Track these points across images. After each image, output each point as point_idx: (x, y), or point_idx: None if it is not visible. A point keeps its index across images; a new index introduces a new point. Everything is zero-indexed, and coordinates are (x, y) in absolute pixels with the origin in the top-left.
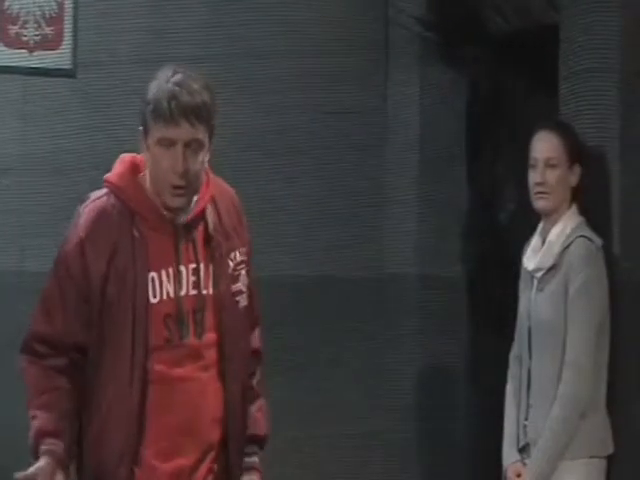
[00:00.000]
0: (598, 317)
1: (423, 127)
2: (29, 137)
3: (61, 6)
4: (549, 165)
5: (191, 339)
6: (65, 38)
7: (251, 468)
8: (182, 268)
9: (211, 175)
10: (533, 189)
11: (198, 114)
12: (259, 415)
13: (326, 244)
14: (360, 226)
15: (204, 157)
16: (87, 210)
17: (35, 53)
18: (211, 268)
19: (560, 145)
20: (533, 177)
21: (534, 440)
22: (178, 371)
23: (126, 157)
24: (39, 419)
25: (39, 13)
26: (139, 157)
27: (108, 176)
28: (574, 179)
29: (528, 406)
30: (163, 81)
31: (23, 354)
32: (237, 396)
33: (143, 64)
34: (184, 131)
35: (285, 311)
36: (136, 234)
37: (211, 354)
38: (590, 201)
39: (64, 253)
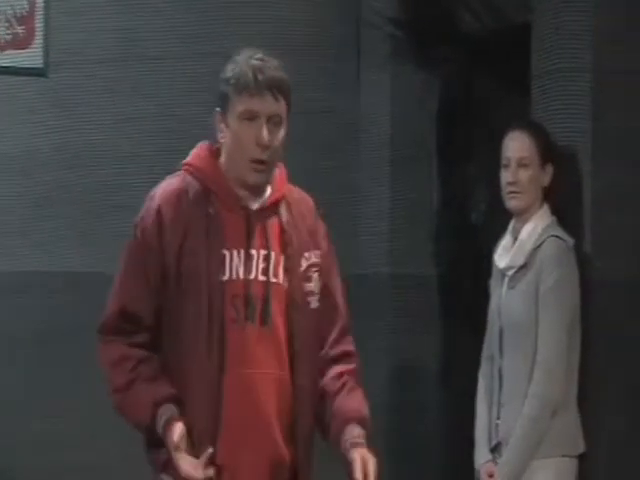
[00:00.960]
0: (569, 316)
1: (395, 127)
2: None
3: (32, 5)
4: (521, 165)
5: (257, 323)
6: (36, 37)
7: (357, 444)
8: (253, 252)
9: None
10: (505, 188)
11: (281, 88)
12: (356, 398)
13: None
14: (332, 226)
15: (282, 134)
16: (162, 188)
17: (6, 52)
18: (282, 259)
19: (532, 145)
20: (505, 176)
21: (505, 439)
22: (247, 353)
23: (203, 144)
24: (146, 391)
25: (10, 12)
26: (214, 145)
27: (186, 160)
28: (546, 179)
29: (499, 405)
30: (245, 58)
31: (104, 335)
32: (306, 392)
33: (113, 64)
34: (268, 104)
35: None
36: (211, 211)
37: (278, 345)
38: (562, 200)
39: (141, 230)
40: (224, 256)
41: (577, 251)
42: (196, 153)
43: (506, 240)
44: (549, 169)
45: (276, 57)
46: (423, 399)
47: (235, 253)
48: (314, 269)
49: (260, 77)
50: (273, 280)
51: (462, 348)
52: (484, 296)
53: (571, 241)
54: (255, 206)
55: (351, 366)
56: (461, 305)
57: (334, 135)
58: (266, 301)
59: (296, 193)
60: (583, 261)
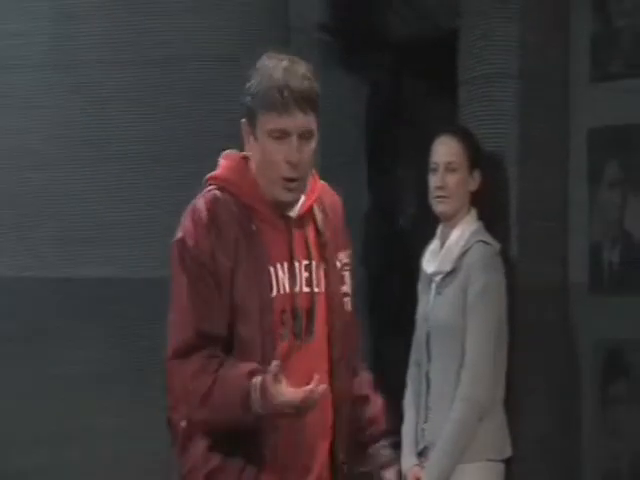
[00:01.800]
0: (496, 321)
1: (323, 132)
2: None
3: None
4: (449, 169)
5: (303, 337)
6: None
7: (390, 461)
8: (296, 263)
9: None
10: (433, 193)
11: (310, 101)
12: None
13: None
14: None
15: (313, 146)
16: (204, 208)
17: None
18: (322, 266)
19: (460, 150)
20: (433, 181)
21: (432, 443)
22: (296, 369)
23: (230, 153)
24: (234, 371)
25: None
26: (242, 153)
27: (213, 174)
28: (474, 184)
29: (427, 409)
30: (270, 69)
31: (180, 357)
32: (344, 399)
33: (53, 68)
34: (298, 121)
35: None
36: (254, 228)
37: (323, 355)
38: (488, 205)
39: (194, 252)
40: (270, 272)
41: (504, 256)
42: (227, 165)
43: (434, 245)
44: (477, 174)
45: (302, 60)
46: None
47: (279, 267)
48: (346, 268)
49: (287, 93)
50: (316, 290)
51: (390, 352)
52: (413, 300)
53: (498, 246)
54: (294, 213)
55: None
56: (391, 309)
57: None
58: (311, 313)
59: (326, 190)
60: (509, 266)
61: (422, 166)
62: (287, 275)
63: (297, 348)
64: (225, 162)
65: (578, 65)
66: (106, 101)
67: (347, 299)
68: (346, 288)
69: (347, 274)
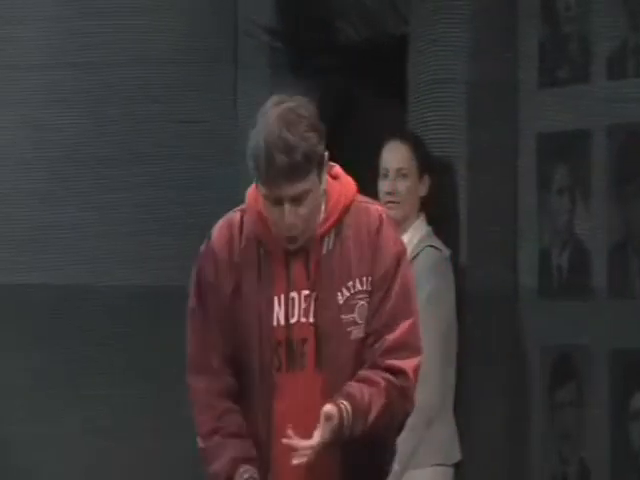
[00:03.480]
0: (445, 326)
1: None
2: None
3: None
4: (400, 175)
5: (296, 369)
6: None
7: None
8: (294, 295)
9: (356, 200)
10: (383, 198)
11: (297, 172)
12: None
13: (165, 255)
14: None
15: (315, 198)
16: (218, 226)
17: None
18: (318, 295)
19: (411, 155)
20: (383, 186)
21: None
22: (289, 401)
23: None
24: (230, 447)
25: None
26: None
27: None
28: (423, 189)
29: None
30: (260, 133)
31: (190, 374)
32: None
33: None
34: (287, 191)
35: (158, 321)
36: (261, 252)
37: (315, 384)
38: (437, 211)
39: (200, 272)
40: (273, 301)
41: (453, 261)
42: (251, 193)
43: None
44: (426, 179)
45: (300, 104)
46: None
47: (276, 299)
48: (359, 296)
49: (271, 168)
50: (311, 320)
51: None
52: None
53: (447, 251)
54: (297, 244)
55: (391, 377)
56: None
57: (210, 148)
58: (305, 344)
59: (356, 214)
60: (459, 271)
61: (372, 171)
62: (283, 306)
63: (292, 377)
64: (251, 190)
65: (526, 71)
66: (43, 104)
67: (354, 327)
68: (354, 317)
69: (360, 302)
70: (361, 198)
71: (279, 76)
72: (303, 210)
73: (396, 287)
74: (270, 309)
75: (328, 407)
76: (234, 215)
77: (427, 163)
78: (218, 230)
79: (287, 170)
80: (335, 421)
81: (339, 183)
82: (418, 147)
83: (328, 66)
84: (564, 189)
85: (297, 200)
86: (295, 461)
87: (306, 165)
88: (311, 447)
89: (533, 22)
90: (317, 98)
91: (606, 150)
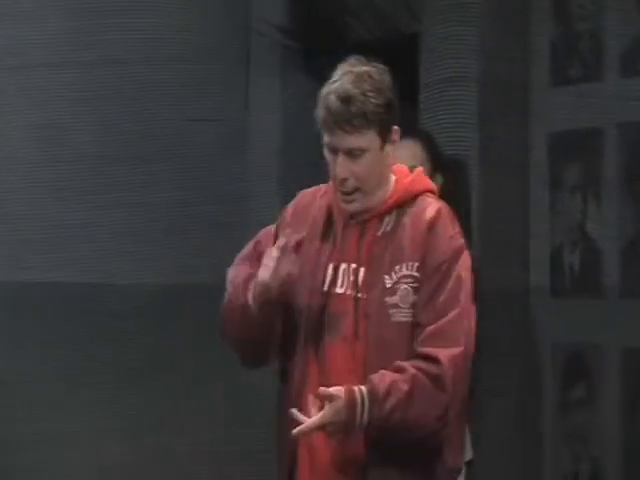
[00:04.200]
0: None
1: (285, 136)
2: None
3: None
4: None
5: (335, 339)
6: None
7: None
8: (344, 265)
9: (427, 199)
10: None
11: (350, 124)
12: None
13: (186, 251)
14: (223, 234)
15: (372, 161)
16: (307, 190)
17: None
18: (365, 272)
19: (422, 154)
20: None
21: None
22: (328, 367)
23: None
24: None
25: None
26: None
27: None
28: (435, 188)
29: None
30: (328, 85)
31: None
32: None
33: (1, 71)
34: (341, 141)
35: (145, 319)
36: (332, 221)
37: (359, 358)
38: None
39: (279, 222)
40: (327, 267)
41: None
42: None
43: None
44: (438, 178)
45: (376, 70)
46: None
47: (331, 265)
48: (404, 280)
49: (330, 114)
50: (358, 295)
51: None
52: None
53: None
54: (359, 218)
55: (422, 364)
56: None
57: (223, 144)
58: (347, 315)
59: (419, 205)
60: (474, 269)
61: None
62: (331, 275)
63: (339, 347)
64: None
65: (538, 69)
66: (53, 103)
67: (395, 310)
68: (396, 299)
69: (404, 286)
70: (430, 196)
71: (291, 75)
72: (357, 167)
73: (450, 283)
74: (323, 274)
75: (335, 388)
76: (323, 186)
77: (439, 161)
78: (304, 192)
79: (341, 119)
80: (340, 403)
81: (414, 175)
82: (430, 145)
83: (339, 64)
84: (576, 188)
85: (350, 155)
86: (294, 432)
87: (361, 120)
88: (306, 427)
89: (545, 20)
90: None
91: (618, 148)
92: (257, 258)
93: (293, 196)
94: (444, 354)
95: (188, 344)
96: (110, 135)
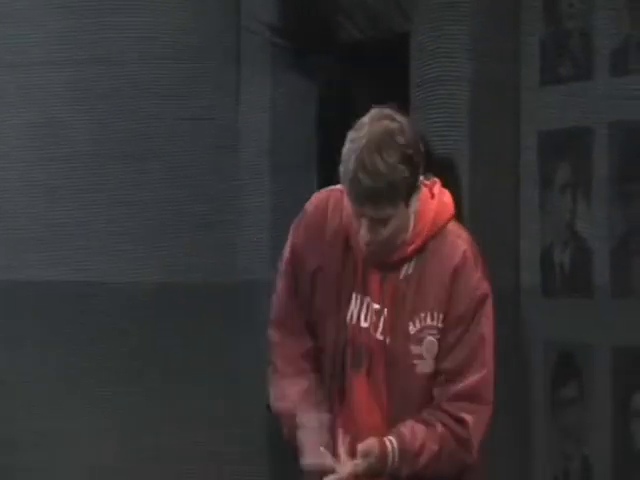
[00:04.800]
0: None
1: (275, 135)
2: None
3: None
4: None
5: (363, 373)
6: None
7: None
8: (368, 300)
9: (447, 227)
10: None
11: (381, 198)
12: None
13: (178, 250)
14: (213, 232)
15: (398, 223)
16: (319, 197)
17: None
18: (390, 317)
19: None
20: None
21: None
22: (353, 399)
23: None
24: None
25: None
26: None
27: None
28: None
29: None
30: (351, 151)
31: (273, 329)
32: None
33: None
34: (368, 211)
35: (135, 317)
36: (352, 244)
37: (380, 397)
38: None
39: (292, 240)
40: (351, 296)
41: None
42: None
43: None
44: (429, 177)
45: (400, 128)
46: None
47: (354, 295)
48: (428, 331)
49: (355, 187)
50: (379, 337)
51: None
52: None
53: None
54: (372, 258)
55: (451, 423)
56: None
57: (214, 143)
58: (373, 355)
59: (441, 243)
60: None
61: None
62: (358, 308)
63: (362, 382)
64: None
65: (528, 68)
66: (50, 102)
67: (420, 361)
68: (421, 350)
69: (429, 338)
70: (452, 226)
71: (282, 73)
72: (384, 232)
73: (472, 332)
74: (347, 303)
75: (369, 442)
76: (336, 191)
77: (430, 161)
78: (317, 201)
79: (370, 194)
80: (373, 458)
81: (436, 203)
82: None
83: (330, 63)
84: (566, 187)
85: (378, 221)
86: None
87: (391, 193)
88: (339, 477)
89: (535, 19)
90: (319, 95)
91: (608, 147)
92: (291, 274)
93: (283, 195)
94: (472, 418)
95: (183, 343)
96: (104, 134)
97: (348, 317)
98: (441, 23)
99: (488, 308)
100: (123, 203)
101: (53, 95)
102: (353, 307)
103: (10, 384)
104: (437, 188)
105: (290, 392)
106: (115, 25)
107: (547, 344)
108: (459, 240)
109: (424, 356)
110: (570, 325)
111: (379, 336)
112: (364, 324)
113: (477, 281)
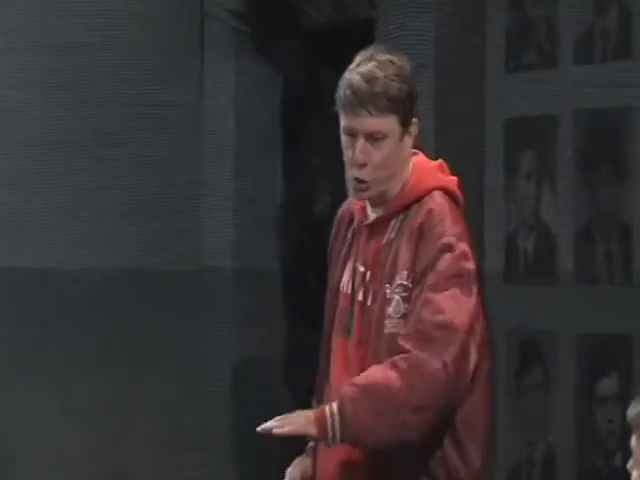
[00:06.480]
0: None
1: (239, 121)
2: None
3: None
4: None
5: (354, 339)
6: None
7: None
8: (359, 267)
9: (431, 200)
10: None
11: (378, 104)
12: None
13: (141, 236)
14: (177, 218)
15: (391, 149)
16: (345, 204)
17: None
18: (375, 278)
19: None
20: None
21: None
22: (336, 364)
23: None
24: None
25: None
26: None
27: None
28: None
29: None
30: (352, 68)
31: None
32: None
33: None
34: (364, 122)
35: (97, 304)
36: (354, 225)
37: (364, 359)
38: None
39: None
40: (345, 269)
41: None
42: None
43: None
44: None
45: (400, 58)
46: (266, 396)
47: (350, 264)
48: (396, 290)
49: (354, 94)
50: (360, 299)
51: (305, 344)
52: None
53: None
54: (368, 220)
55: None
56: (305, 299)
57: (178, 129)
58: (353, 318)
59: (426, 202)
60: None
61: (337, 155)
62: (349, 276)
63: (348, 346)
64: None
65: (493, 56)
66: (12, 87)
67: (388, 321)
68: (390, 310)
69: (396, 297)
70: (438, 196)
71: (245, 59)
72: (376, 154)
73: (429, 280)
74: (341, 275)
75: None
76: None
77: None
78: (342, 209)
79: (365, 99)
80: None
81: (437, 170)
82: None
83: (294, 50)
84: (531, 174)
85: (371, 139)
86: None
87: (384, 101)
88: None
89: (500, 6)
90: (282, 82)
91: (573, 135)
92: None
93: (246, 180)
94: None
95: (146, 329)
96: (67, 121)
97: (341, 286)
98: (406, 10)
99: (450, 258)
100: (86, 189)
101: (17, 82)
102: (345, 276)
103: None
104: (441, 162)
105: None
106: (78, 12)
107: (511, 330)
108: (432, 202)
109: (391, 315)
110: (534, 311)
111: (360, 297)
112: (349, 290)
113: (439, 233)
